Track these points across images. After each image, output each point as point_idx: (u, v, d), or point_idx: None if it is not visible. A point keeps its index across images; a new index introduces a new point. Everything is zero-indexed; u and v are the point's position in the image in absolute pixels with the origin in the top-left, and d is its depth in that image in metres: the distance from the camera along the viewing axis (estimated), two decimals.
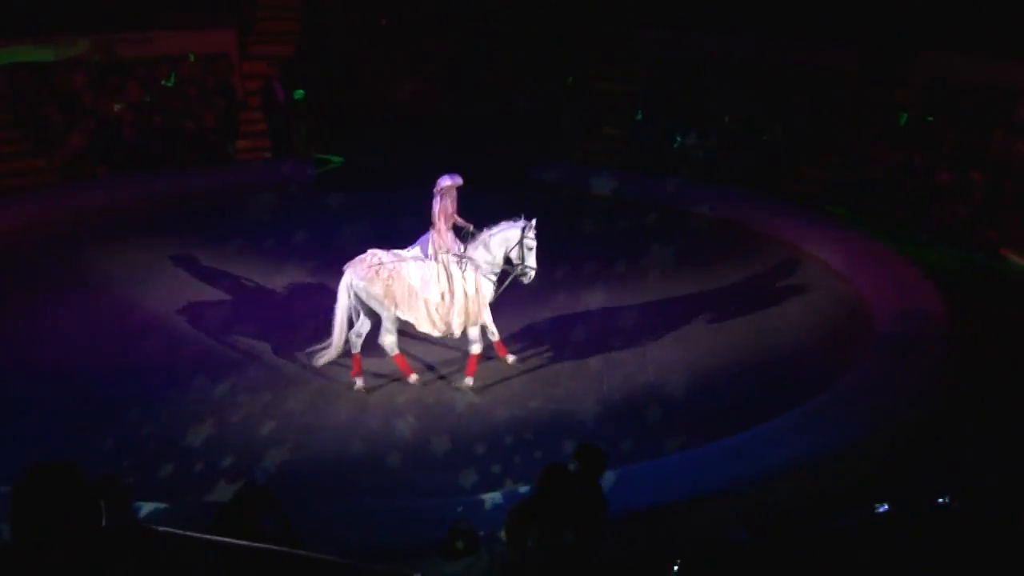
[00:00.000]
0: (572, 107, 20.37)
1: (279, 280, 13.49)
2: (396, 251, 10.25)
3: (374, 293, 9.98)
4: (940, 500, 5.71)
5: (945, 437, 9.30)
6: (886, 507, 5.97)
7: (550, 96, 21.06)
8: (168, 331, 11.86)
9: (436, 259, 10.09)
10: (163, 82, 19.44)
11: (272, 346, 11.45)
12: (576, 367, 10.98)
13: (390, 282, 9.96)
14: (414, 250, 10.29)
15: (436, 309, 10.07)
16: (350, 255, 10.07)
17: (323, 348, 10.39)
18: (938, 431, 9.42)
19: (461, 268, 10.09)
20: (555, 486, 6.08)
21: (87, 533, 2.56)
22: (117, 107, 18.42)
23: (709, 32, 20.00)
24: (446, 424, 9.73)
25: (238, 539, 5.16)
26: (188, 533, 2.85)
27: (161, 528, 2.78)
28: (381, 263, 9.99)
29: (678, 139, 18.60)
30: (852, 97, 18.36)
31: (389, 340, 10.22)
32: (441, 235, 10.12)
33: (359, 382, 10.28)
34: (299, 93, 19.66)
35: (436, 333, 10.27)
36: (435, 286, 10.04)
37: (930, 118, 16.72)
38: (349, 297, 10.14)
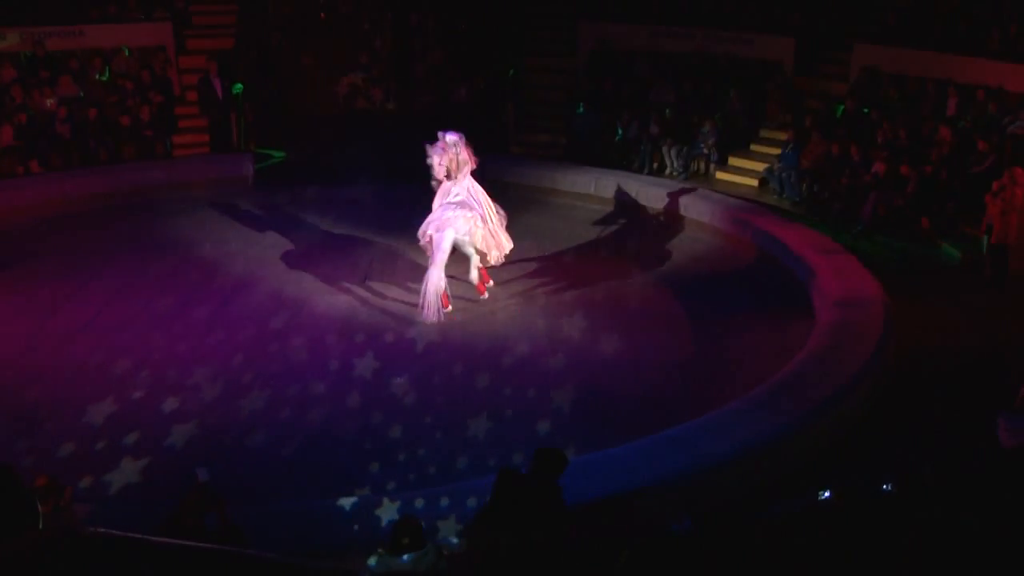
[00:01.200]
0: (513, 100, 20.34)
1: (218, 276, 13.32)
2: (456, 205, 11.90)
3: (479, 237, 11.96)
4: (883, 487, 5.79)
5: (885, 424, 9.49)
6: (828, 494, 6.05)
7: (490, 89, 21.00)
8: (98, 331, 11.63)
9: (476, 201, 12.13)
10: (97, 76, 19.00)
11: (209, 346, 11.30)
12: (519, 361, 10.99)
13: (482, 226, 11.97)
14: (456, 200, 11.99)
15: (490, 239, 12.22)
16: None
17: (424, 300, 11.63)
18: (877, 418, 9.60)
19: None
20: (506, 490, 6.08)
21: (24, 535, 2.50)
22: (49, 102, 17.97)
23: (647, 23, 20.15)
24: (390, 418, 9.69)
25: (182, 538, 5.10)
26: (127, 534, 2.79)
27: (100, 529, 2.72)
28: (478, 215, 11.94)
29: (620, 131, 18.69)
30: (787, 88, 18.63)
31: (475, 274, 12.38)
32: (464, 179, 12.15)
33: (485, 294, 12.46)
34: (238, 88, 19.33)
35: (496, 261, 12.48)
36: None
37: (867, 109, 17.02)
38: (447, 249, 11.74)
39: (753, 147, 18.29)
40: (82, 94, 18.55)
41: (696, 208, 15.95)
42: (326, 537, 7.26)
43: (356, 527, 7.36)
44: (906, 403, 9.85)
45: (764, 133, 18.38)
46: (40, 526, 2.60)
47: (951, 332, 11.53)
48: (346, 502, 7.63)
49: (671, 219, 15.99)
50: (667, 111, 18.67)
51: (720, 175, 17.95)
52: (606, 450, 8.71)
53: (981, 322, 11.88)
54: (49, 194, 16.48)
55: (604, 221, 15.97)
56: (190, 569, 3.08)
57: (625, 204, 16.64)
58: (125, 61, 19.46)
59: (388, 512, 7.29)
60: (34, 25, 18.69)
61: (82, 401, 9.87)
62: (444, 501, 7.55)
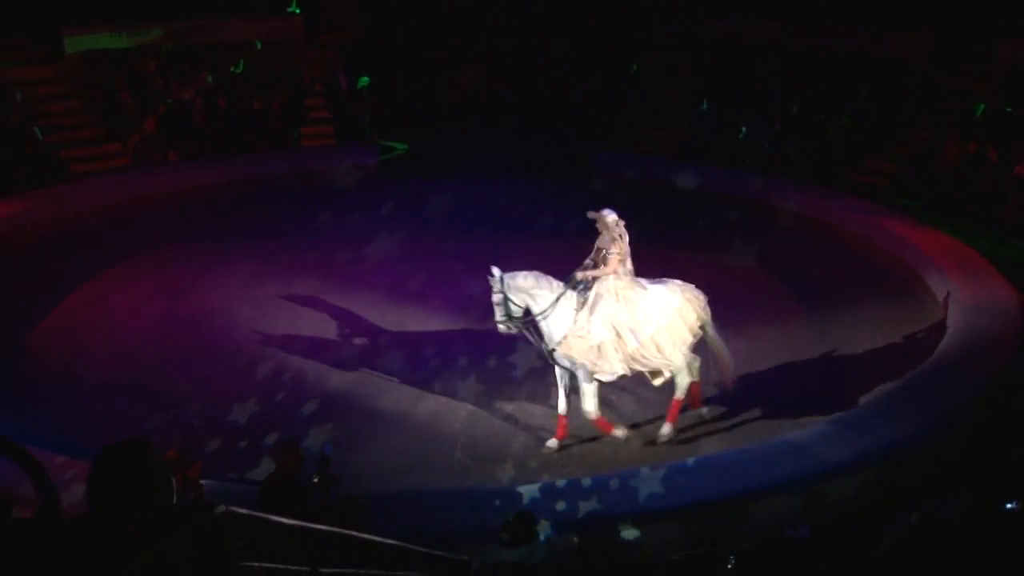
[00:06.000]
0: (635, 95, 20.21)
1: (341, 267, 13.60)
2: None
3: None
4: (1008, 505, 5.55)
5: (1016, 439, 9.07)
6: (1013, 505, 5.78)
7: (613, 84, 20.90)
8: (230, 315, 12.05)
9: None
10: (232, 69, 19.73)
11: (333, 334, 11.57)
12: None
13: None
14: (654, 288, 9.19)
15: None
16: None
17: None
18: (1008, 432, 9.17)
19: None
20: None
21: (159, 508, 2.63)
22: (188, 93, 18.73)
23: (775, 20, 19.68)
24: (504, 409, 9.74)
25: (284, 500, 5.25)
26: (254, 513, 2.90)
27: (226, 506, 2.83)
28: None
29: (743, 129, 18.35)
30: (923, 86, 17.94)
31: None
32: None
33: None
34: (364, 81, 19.81)
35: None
36: None
37: (1009, 109, 16.24)
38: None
39: (886, 147, 17.68)
40: (217, 86, 19.28)
41: (823, 209, 15.56)
42: (440, 526, 7.37)
43: (471, 517, 7.46)
44: None
45: (898, 133, 17.74)
46: (174, 500, 2.72)
47: None
48: (463, 492, 7.74)
49: (796, 220, 15.63)
50: (794, 109, 18.24)
51: (850, 176, 17.41)
52: (722, 452, 8.60)
53: None
54: (185, 181, 17.22)
55: (725, 220, 15.69)
56: (311, 548, 3.19)
57: (748, 203, 16.34)
58: (258, 54, 20.15)
59: (503, 504, 7.36)
60: (176, 20, 19.51)
61: (212, 384, 10.27)
62: (558, 494, 7.58)
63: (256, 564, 2.99)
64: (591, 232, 9.15)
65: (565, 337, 8.82)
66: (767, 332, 11.60)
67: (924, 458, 8.72)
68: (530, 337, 9.13)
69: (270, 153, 18.63)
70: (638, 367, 8.98)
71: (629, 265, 8.95)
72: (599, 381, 8.97)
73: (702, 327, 9.12)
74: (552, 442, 9.14)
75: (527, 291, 8.88)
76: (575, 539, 6.93)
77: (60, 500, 2.79)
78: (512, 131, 19.96)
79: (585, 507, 7.50)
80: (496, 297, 8.90)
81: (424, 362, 10.80)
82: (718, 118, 18.73)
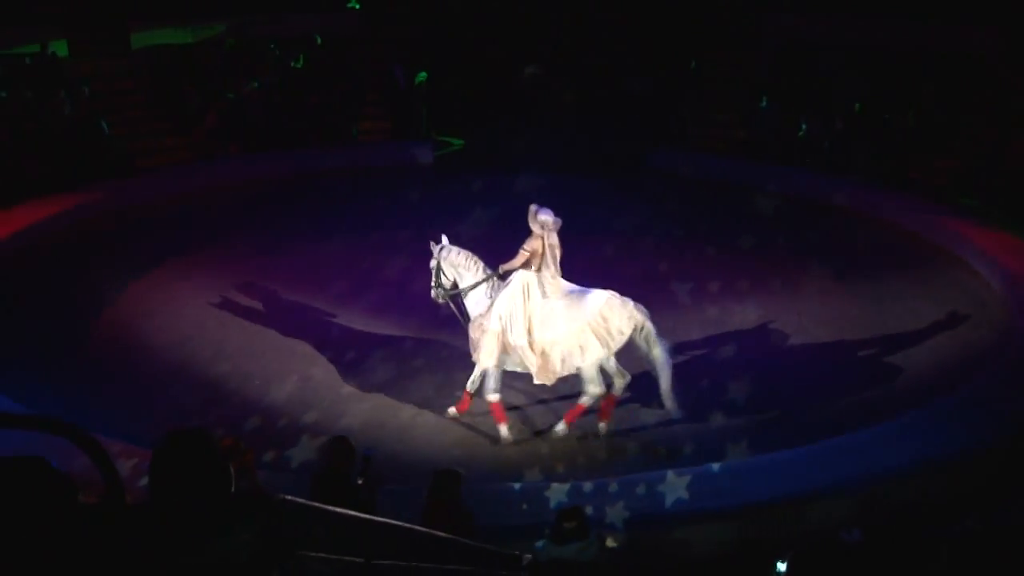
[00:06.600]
0: (693, 93, 20.04)
1: (395, 260, 13.68)
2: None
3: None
4: None
5: None
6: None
7: (670, 81, 20.75)
8: (281, 309, 12.21)
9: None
10: (292, 63, 19.96)
11: (386, 329, 11.65)
12: (689, 356, 10.83)
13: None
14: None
15: None
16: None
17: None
18: None
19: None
20: None
21: (219, 497, 2.68)
22: (250, 87, 18.99)
23: (836, 16, 19.37)
24: (551, 409, 9.75)
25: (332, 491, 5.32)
26: (312, 503, 2.95)
27: (281, 496, 2.88)
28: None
29: (803, 127, 18.11)
30: (990, 83, 17.53)
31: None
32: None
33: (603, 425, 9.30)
34: (421, 76, 19.92)
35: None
36: None
37: None
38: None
39: (951, 146, 17.31)
40: (278, 80, 19.53)
41: (885, 208, 15.31)
42: (490, 520, 7.40)
43: (522, 512, 7.48)
44: None
45: (964, 131, 17.35)
46: (232, 489, 2.78)
47: None
48: (513, 486, 7.76)
49: (856, 218, 15.40)
50: (856, 107, 17.95)
51: (914, 174, 17.06)
52: (778, 452, 8.52)
53: None
54: (245, 175, 17.50)
55: (784, 218, 15.52)
56: (366, 540, 3.24)
57: (807, 201, 16.14)
58: (318, 49, 20.37)
59: (555, 499, 7.36)
60: (238, 15, 19.80)
61: (266, 376, 10.43)
62: (612, 489, 7.58)
63: (312, 554, 3.04)
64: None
65: (472, 320, 9.23)
66: (825, 332, 11.47)
67: (985, 463, 8.56)
68: (456, 312, 9.56)
69: (328, 147, 18.85)
70: (512, 363, 8.99)
71: (555, 266, 8.91)
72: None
73: (643, 338, 8.92)
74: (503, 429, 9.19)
75: (456, 267, 9.41)
76: (624, 537, 6.92)
77: (125, 487, 2.85)
78: (569, 128, 19.92)
79: (636, 506, 7.49)
80: (432, 263, 9.54)
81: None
82: (778, 116, 18.51)
